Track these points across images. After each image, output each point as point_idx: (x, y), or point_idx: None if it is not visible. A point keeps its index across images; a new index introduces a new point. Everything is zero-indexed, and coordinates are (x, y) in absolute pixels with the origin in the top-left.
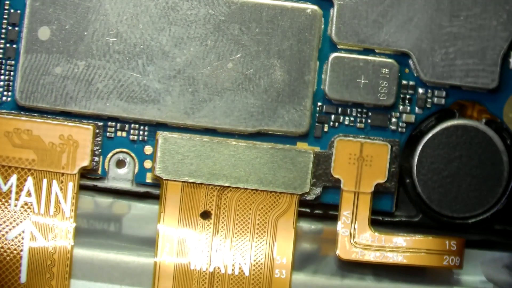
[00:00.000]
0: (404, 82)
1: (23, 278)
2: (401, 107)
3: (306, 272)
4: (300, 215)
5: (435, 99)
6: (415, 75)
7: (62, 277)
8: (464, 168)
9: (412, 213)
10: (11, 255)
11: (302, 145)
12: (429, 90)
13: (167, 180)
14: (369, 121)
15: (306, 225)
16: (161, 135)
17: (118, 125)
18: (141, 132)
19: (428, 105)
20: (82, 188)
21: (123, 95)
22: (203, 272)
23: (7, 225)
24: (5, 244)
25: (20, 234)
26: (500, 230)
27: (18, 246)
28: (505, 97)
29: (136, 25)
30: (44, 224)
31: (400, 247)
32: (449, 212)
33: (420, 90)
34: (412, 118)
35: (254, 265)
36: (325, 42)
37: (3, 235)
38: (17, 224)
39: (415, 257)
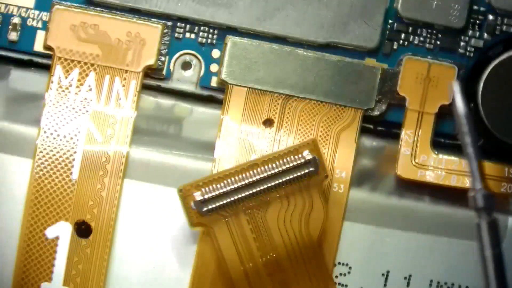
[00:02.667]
0: (475, 7)
1: (75, 174)
2: (470, 31)
3: (364, 188)
4: (363, 131)
5: (504, 27)
6: (487, 1)
7: (116, 175)
8: None
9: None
10: (65, 149)
11: (370, 61)
12: (499, 18)
13: (233, 84)
14: (438, 42)
15: (368, 142)
16: (231, 40)
17: (188, 26)
18: (210, 35)
19: (497, 32)
20: (144, 87)
21: None
22: None
23: (64, 119)
24: (60, 138)
25: (77, 129)
26: None
27: (74, 141)
28: None
29: None
30: (102, 121)
31: (459, 170)
32: (510, 140)
33: (491, 17)
34: (480, 43)
35: None
36: None
37: (60, 128)
38: (75, 118)
39: None
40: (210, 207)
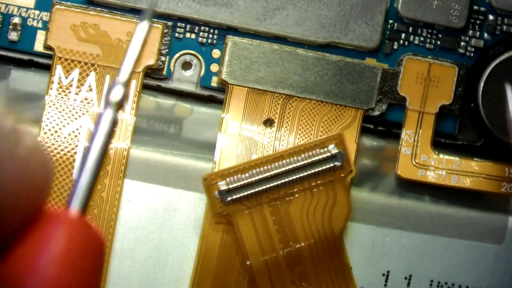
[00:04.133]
0: (475, 7)
1: (75, 174)
2: (470, 31)
3: (364, 188)
4: (363, 131)
5: (505, 27)
6: (487, 1)
7: (116, 176)
8: None
9: (474, 138)
10: (66, 149)
11: (371, 61)
12: (499, 18)
13: (233, 84)
14: (438, 42)
15: (368, 141)
16: (231, 39)
17: (188, 26)
18: (210, 35)
19: (497, 32)
20: (145, 87)
21: None
22: None
23: (64, 119)
24: (61, 138)
25: (77, 129)
26: None
27: (74, 142)
28: None
29: None
30: None
31: (460, 170)
32: (510, 140)
33: (491, 17)
34: (480, 43)
35: None
36: None
37: (60, 129)
38: (75, 119)
39: (473, 181)
40: (234, 197)
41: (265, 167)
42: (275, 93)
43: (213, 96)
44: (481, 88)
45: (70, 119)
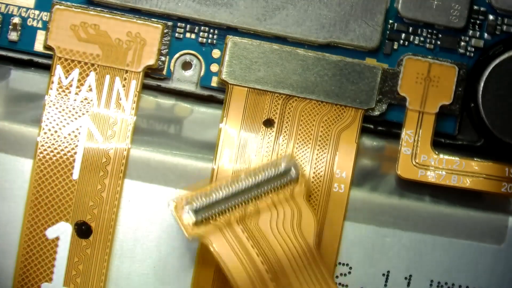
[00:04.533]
0: (475, 7)
1: (75, 174)
2: (470, 31)
3: (364, 188)
4: (363, 131)
5: (504, 27)
6: (487, 1)
7: (116, 176)
8: None
9: (474, 138)
10: (66, 150)
11: (371, 61)
12: (499, 18)
13: (233, 84)
14: (438, 42)
15: (368, 142)
16: (231, 39)
17: (188, 26)
18: (210, 35)
19: (498, 32)
20: (145, 87)
21: None
22: None
23: (64, 119)
24: (61, 138)
25: (77, 129)
26: None
27: (74, 142)
28: None
29: None
30: (102, 121)
31: (460, 170)
32: (510, 140)
33: (491, 17)
34: (480, 43)
35: (314, 178)
36: None
37: (60, 129)
38: (75, 119)
39: (474, 181)
40: (203, 215)
41: (228, 187)
42: (275, 93)
43: (213, 96)
44: (481, 88)
45: (70, 119)
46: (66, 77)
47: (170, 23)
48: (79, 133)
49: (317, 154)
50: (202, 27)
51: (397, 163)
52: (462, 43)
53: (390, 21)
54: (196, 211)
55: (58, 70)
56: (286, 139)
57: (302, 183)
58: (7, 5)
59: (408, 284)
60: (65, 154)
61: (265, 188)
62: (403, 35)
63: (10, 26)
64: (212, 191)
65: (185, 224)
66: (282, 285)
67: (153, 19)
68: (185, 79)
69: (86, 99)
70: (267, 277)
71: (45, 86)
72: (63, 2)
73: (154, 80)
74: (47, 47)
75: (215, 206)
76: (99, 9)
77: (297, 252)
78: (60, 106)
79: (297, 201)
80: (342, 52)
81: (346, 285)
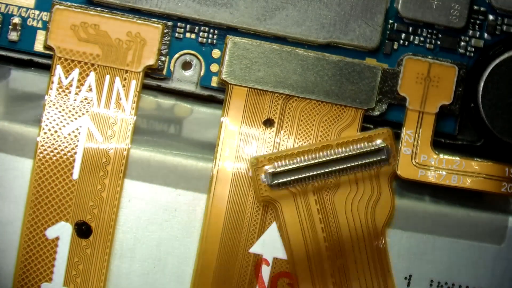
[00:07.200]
0: (475, 7)
1: (75, 174)
2: (470, 31)
3: None
4: (363, 131)
5: (504, 27)
6: (487, 1)
7: (116, 176)
8: None
9: (474, 138)
10: (66, 150)
11: (371, 61)
12: (499, 18)
13: (233, 84)
14: (438, 42)
15: None
16: (231, 39)
17: (188, 26)
18: (210, 35)
19: (497, 32)
20: (145, 87)
21: None
22: None
23: (64, 119)
24: (61, 138)
25: (77, 129)
26: None
27: (74, 142)
28: None
29: None
30: (102, 121)
31: (460, 170)
32: (510, 140)
33: (491, 17)
34: (480, 43)
35: None
36: None
37: (60, 129)
38: (75, 119)
39: (474, 181)
40: (280, 181)
41: (313, 155)
42: (275, 93)
43: (213, 96)
44: (481, 88)
45: (70, 119)
46: (66, 77)
47: (170, 23)
48: (79, 133)
49: None
50: (202, 27)
51: (397, 163)
52: (462, 43)
53: (390, 21)
54: (274, 175)
55: (58, 70)
56: (286, 138)
57: (392, 164)
58: (7, 5)
59: (408, 284)
60: (65, 154)
61: (353, 163)
62: (403, 35)
63: (10, 26)
64: (296, 155)
65: (260, 185)
66: (336, 266)
67: (153, 19)
68: (185, 79)
69: (86, 99)
70: (325, 254)
71: (45, 86)
72: (63, 2)
73: (154, 80)
74: (47, 47)
75: (296, 173)
76: (99, 9)
77: (363, 235)
78: (60, 106)
79: (380, 180)
80: (342, 52)
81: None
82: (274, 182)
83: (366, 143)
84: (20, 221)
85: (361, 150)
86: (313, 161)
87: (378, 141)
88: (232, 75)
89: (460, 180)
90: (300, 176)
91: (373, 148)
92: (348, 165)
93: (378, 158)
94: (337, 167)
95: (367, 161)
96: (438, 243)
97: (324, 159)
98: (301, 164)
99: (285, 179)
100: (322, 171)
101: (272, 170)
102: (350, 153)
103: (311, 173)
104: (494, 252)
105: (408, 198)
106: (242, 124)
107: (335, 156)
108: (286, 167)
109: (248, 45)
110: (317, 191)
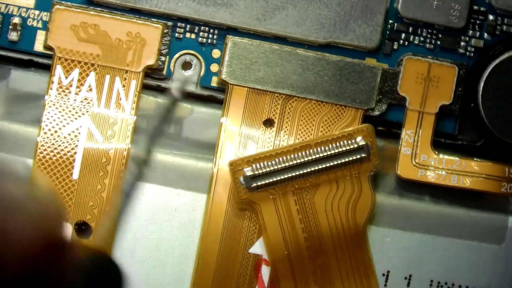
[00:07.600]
0: (475, 7)
1: (75, 174)
2: (470, 31)
3: None
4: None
5: (505, 27)
6: (487, 1)
7: (116, 176)
8: None
9: (474, 138)
10: (66, 150)
11: (370, 61)
12: (499, 18)
13: (233, 84)
14: (438, 42)
15: None
16: (231, 39)
17: (188, 26)
18: (210, 35)
19: (497, 32)
20: (145, 87)
21: None
22: None
23: (64, 119)
24: (61, 138)
25: (77, 129)
26: None
27: (74, 142)
28: None
29: None
30: (102, 121)
31: (460, 170)
32: (510, 140)
33: (491, 17)
34: (480, 43)
35: None
36: None
37: (60, 129)
38: (75, 119)
39: (474, 181)
40: (259, 183)
41: (292, 156)
42: (275, 93)
43: (213, 96)
44: (481, 88)
45: (70, 119)
46: (66, 77)
47: (170, 23)
48: (79, 133)
49: None
50: (202, 27)
51: (397, 163)
52: (462, 43)
53: (390, 21)
54: (253, 177)
55: (58, 70)
56: (286, 139)
57: (372, 161)
58: (7, 5)
59: (408, 284)
60: (65, 154)
61: (333, 162)
62: (403, 35)
63: (10, 26)
64: (275, 157)
65: (238, 188)
66: (318, 265)
67: (153, 19)
68: (185, 79)
69: (86, 99)
70: (305, 254)
71: (45, 86)
72: (63, 2)
73: (154, 80)
74: (47, 47)
75: (275, 174)
76: (99, 9)
77: (344, 234)
78: (60, 106)
79: (361, 178)
80: (342, 52)
81: None
82: (252, 185)
83: (346, 141)
84: None
85: (341, 149)
86: (292, 162)
87: (358, 139)
88: (232, 75)
89: (460, 180)
90: (278, 178)
91: (353, 147)
92: (328, 165)
93: (358, 156)
94: (317, 167)
95: (347, 159)
96: (438, 243)
97: (303, 159)
98: (280, 166)
99: (263, 182)
100: (302, 171)
101: (250, 173)
102: (330, 152)
103: (290, 174)
104: (494, 252)
105: (408, 198)
106: (242, 124)
107: (314, 157)
108: (264, 169)
109: (248, 45)
110: (297, 191)
